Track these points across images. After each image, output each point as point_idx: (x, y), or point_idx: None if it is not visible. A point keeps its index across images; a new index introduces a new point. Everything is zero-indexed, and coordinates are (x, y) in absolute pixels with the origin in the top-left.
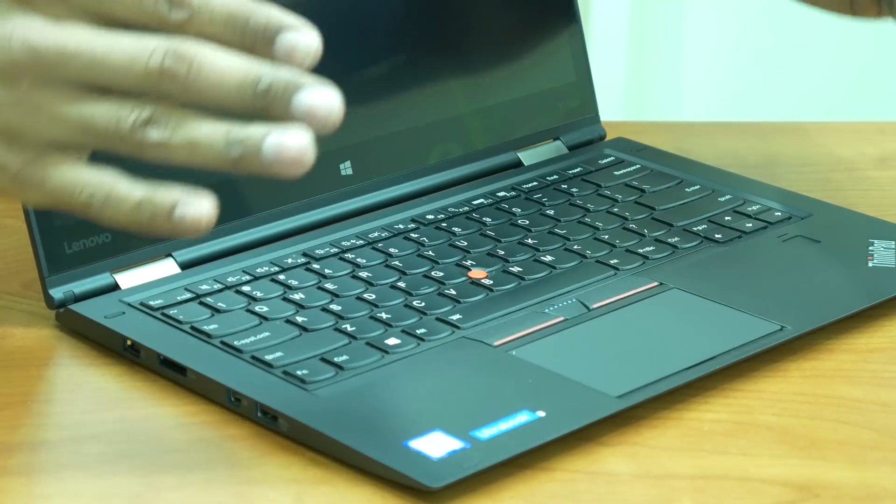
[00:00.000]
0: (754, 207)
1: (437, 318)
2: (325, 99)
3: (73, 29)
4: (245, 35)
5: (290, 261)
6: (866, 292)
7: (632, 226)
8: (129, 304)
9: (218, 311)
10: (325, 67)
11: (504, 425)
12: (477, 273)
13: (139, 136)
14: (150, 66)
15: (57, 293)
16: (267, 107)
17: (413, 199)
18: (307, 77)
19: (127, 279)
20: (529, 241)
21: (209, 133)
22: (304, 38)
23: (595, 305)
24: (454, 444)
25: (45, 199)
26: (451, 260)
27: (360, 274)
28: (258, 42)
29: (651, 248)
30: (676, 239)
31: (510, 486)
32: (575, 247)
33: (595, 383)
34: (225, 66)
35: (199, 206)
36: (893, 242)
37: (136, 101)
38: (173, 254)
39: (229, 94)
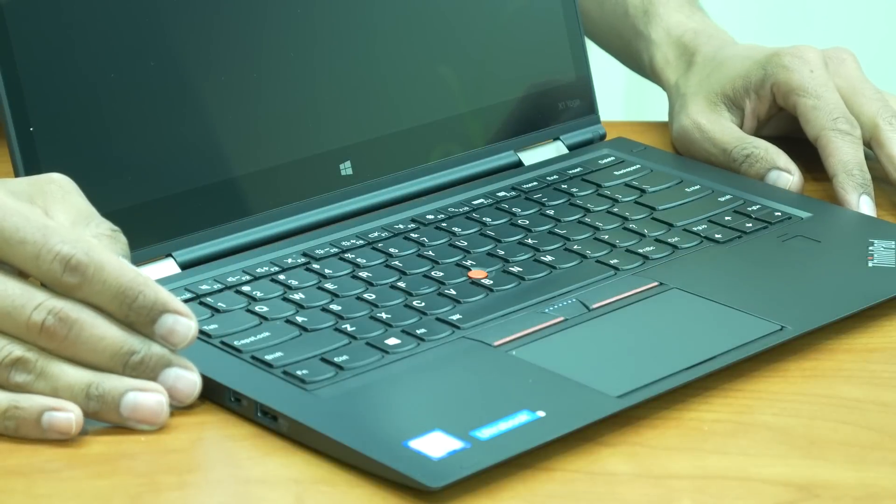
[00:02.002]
0: (754, 207)
1: (437, 318)
2: (189, 380)
3: None
4: (130, 311)
5: (290, 261)
6: (866, 292)
7: (632, 226)
8: None
9: (218, 311)
10: (326, 68)
11: (504, 425)
12: (477, 273)
13: (4, 375)
14: (32, 320)
15: None
16: (136, 375)
17: (413, 199)
18: (178, 357)
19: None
20: (529, 241)
21: (72, 384)
22: (184, 324)
23: (595, 305)
24: (454, 444)
25: None
26: (451, 260)
27: (360, 274)
28: (141, 319)
29: (651, 248)
30: (676, 239)
31: (510, 486)
32: (575, 247)
33: (595, 383)
34: (102, 334)
35: (67, 415)
36: (893, 242)
37: (10, 342)
38: (173, 254)
39: (102, 360)
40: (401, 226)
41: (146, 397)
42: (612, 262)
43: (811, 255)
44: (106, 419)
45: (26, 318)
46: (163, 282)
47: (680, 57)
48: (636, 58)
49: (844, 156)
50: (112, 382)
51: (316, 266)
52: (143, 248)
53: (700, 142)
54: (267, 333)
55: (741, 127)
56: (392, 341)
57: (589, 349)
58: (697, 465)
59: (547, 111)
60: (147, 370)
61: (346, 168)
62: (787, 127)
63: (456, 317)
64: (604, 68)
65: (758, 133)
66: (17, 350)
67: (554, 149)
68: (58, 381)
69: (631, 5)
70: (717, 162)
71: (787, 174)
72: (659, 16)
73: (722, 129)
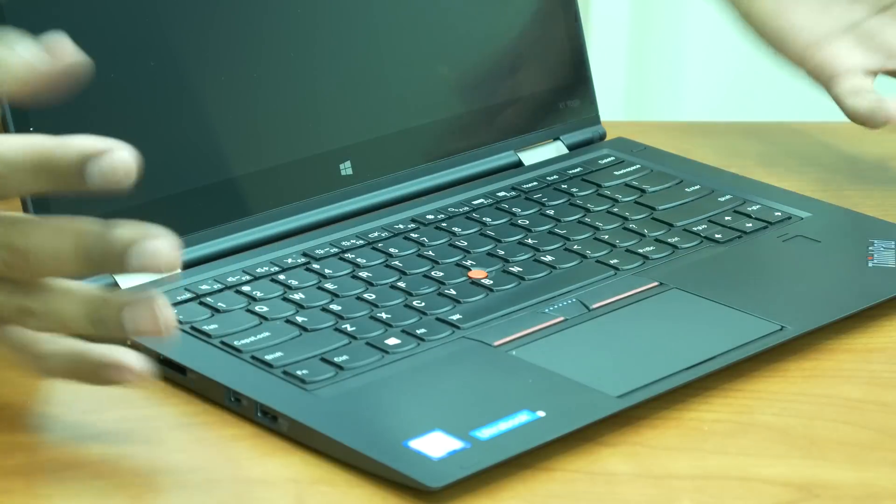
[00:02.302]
0: (754, 207)
1: (437, 318)
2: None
3: None
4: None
5: (290, 261)
6: (866, 292)
7: (632, 226)
8: None
9: (218, 310)
10: (326, 67)
11: (504, 425)
12: (477, 273)
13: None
14: None
15: None
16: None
17: (413, 199)
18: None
19: (127, 279)
20: (529, 241)
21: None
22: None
23: (595, 305)
24: (454, 444)
25: None
26: (451, 260)
27: (360, 274)
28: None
29: (651, 248)
30: (676, 239)
31: (510, 486)
32: (575, 247)
33: (595, 383)
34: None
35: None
36: (893, 242)
37: None
38: None
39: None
40: (401, 226)
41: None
42: (612, 262)
43: (811, 255)
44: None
45: None
46: (163, 282)
47: None
48: None
49: None
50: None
51: (316, 266)
52: None
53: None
54: (267, 333)
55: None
56: (392, 341)
57: (589, 349)
58: (697, 465)
59: (547, 111)
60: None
61: (346, 168)
62: None
63: (456, 317)
64: (604, 68)
65: None
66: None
67: (554, 149)
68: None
69: None
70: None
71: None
72: None
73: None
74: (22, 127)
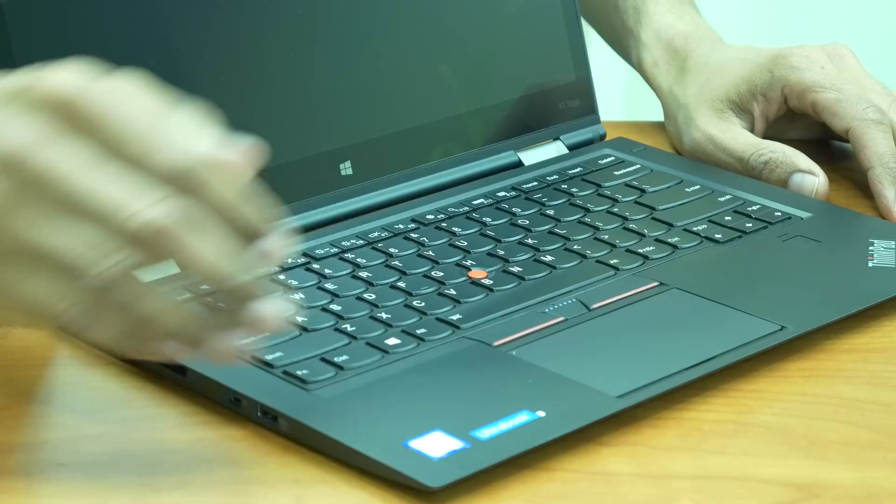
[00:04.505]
0: (754, 207)
1: (438, 318)
2: (274, 311)
3: (75, 152)
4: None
5: (289, 261)
6: (866, 292)
7: (632, 226)
8: None
9: None
10: (326, 67)
11: (504, 425)
12: (477, 273)
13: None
14: (126, 226)
15: None
16: (228, 300)
17: (413, 199)
18: (270, 288)
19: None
20: (529, 241)
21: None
22: (278, 244)
23: (595, 305)
24: (454, 444)
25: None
26: (452, 260)
27: (360, 274)
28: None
29: (651, 248)
30: (676, 239)
31: (510, 486)
32: (575, 247)
33: (595, 383)
34: (200, 254)
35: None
36: (893, 242)
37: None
38: None
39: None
40: (401, 226)
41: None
42: (612, 262)
43: (811, 255)
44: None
45: (120, 220)
46: (163, 282)
47: (670, 61)
48: (626, 51)
49: (880, 147)
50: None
51: (316, 266)
52: None
53: (715, 153)
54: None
55: (752, 131)
56: (392, 341)
57: (589, 349)
58: (697, 465)
59: (547, 111)
60: (238, 298)
61: (346, 168)
62: (786, 129)
63: (456, 317)
64: (604, 68)
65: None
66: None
67: (554, 149)
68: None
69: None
70: (736, 171)
71: (811, 176)
72: (649, 15)
73: (735, 138)
74: None
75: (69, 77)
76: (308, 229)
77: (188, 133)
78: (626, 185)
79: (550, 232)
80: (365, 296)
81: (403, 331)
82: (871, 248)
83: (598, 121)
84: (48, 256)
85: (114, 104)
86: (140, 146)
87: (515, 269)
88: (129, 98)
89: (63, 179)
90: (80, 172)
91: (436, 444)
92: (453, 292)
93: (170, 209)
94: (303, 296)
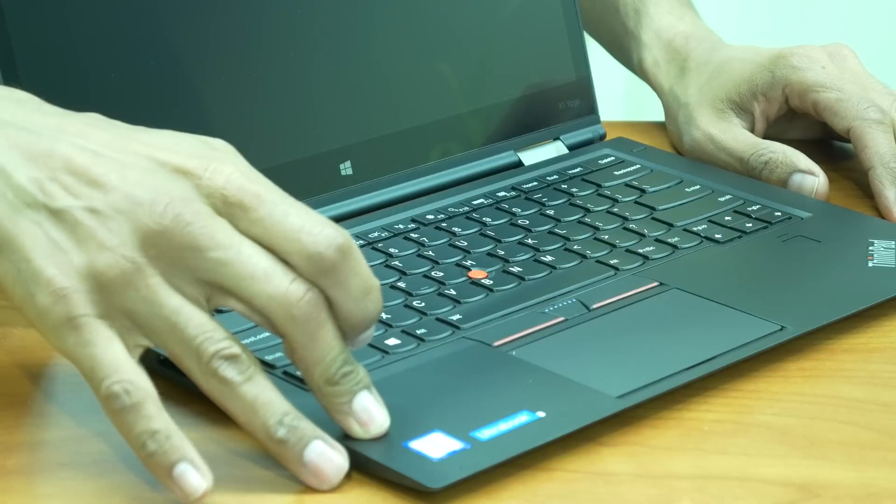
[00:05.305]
0: (754, 207)
1: (437, 319)
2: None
3: (235, 234)
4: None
5: None
6: (866, 292)
7: (632, 226)
8: None
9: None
10: (326, 67)
11: (504, 426)
12: (477, 273)
13: (213, 365)
14: (293, 299)
15: None
16: (332, 390)
17: (413, 199)
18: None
19: None
20: (529, 241)
21: (271, 401)
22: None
23: (595, 305)
24: (454, 444)
25: (69, 354)
26: (451, 260)
27: None
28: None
29: (651, 248)
30: (676, 239)
31: (510, 486)
32: (575, 247)
33: (595, 383)
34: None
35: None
36: (893, 242)
37: (229, 337)
38: None
39: (315, 357)
40: (401, 226)
41: (333, 453)
42: (612, 262)
43: (811, 255)
44: (284, 455)
45: (285, 292)
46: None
47: (671, 61)
48: (626, 55)
49: (880, 147)
50: (308, 423)
51: None
52: None
53: (715, 153)
54: (267, 333)
55: (752, 131)
56: (392, 341)
57: (589, 349)
58: (697, 465)
59: (547, 111)
60: (342, 391)
61: (346, 168)
62: (786, 130)
63: (456, 317)
64: (604, 68)
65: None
66: (236, 347)
67: (554, 149)
68: (261, 394)
69: (622, 2)
70: (736, 171)
71: (811, 176)
72: (649, 16)
73: (735, 138)
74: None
75: (234, 174)
76: None
77: (318, 220)
78: (626, 185)
79: (550, 232)
80: None
81: (403, 331)
82: (871, 248)
83: (598, 121)
84: (174, 328)
85: (259, 200)
86: (282, 231)
87: (515, 269)
88: (269, 191)
89: (219, 248)
90: (239, 250)
91: (436, 445)
92: (453, 292)
93: (315, 293)
94: None
